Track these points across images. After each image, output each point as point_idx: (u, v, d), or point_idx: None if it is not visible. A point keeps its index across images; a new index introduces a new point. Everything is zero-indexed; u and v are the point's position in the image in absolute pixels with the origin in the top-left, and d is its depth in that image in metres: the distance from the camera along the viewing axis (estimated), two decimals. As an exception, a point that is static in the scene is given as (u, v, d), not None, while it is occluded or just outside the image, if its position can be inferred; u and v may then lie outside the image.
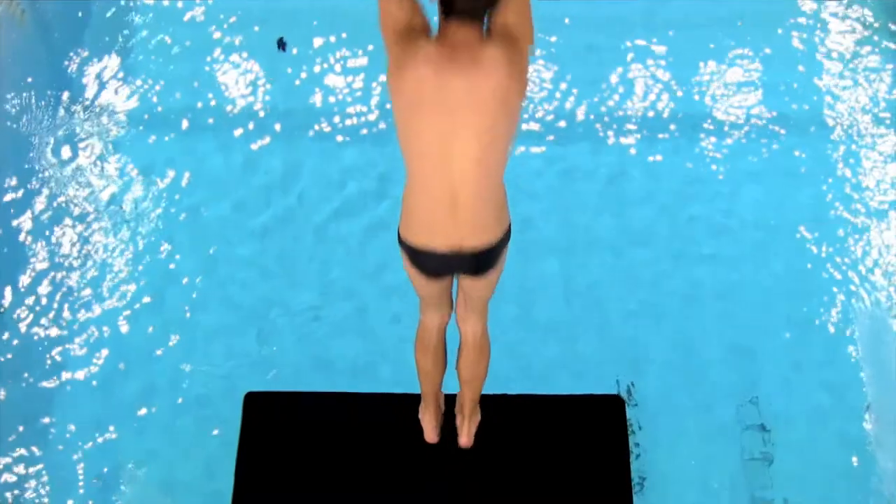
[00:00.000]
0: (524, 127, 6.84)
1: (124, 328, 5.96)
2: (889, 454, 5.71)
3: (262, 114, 6.84)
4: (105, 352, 5.85)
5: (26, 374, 5.78)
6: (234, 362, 5.79)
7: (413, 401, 4.30)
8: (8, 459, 5.49)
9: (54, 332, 5.94)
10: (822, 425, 5.73)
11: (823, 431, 5.70)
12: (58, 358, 5.85)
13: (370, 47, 7.09)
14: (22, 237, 6.28)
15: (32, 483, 5.45)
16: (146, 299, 6.06)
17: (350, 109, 6.90)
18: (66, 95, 6.89)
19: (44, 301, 6.03)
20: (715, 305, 6.15)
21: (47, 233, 6.30)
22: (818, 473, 5.58)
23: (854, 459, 5.65)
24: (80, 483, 5.43)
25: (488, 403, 4.38)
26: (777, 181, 6.68)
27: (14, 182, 6.43)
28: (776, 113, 6.99)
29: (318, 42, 7.20)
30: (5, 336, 5.91)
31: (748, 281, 6.24)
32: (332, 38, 7.20)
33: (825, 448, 5.66)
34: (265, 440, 4.44)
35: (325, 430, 4.48)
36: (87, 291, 6.09)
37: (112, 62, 7.07)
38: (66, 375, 5.80)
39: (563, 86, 7.01)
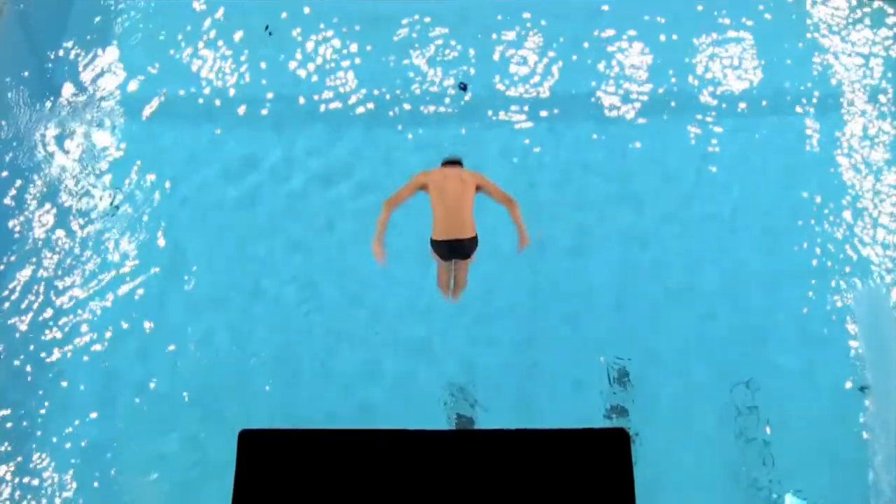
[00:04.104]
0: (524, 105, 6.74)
1: (115, 323, 5.97)
2: (886, 433, 5.66)
3: (251, 100, 6.73)
4: (97, 351, 5.89)
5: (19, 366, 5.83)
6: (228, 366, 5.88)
7: (409, 437, 4.35)
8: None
9: (45, 323, 5.94)
10: (818, 406, 5.74)
11: (820, 412, 5.72)
12: (49, 354, 5.88)
13: (356, 26, 7.03)
14: (12, 230, 6.23)
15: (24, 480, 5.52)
16: (135, 292, 6.06)
17: (344, 95, 6.77)
18: (50, 87, 6.75)
19: (32, 296, 6.02)
20: (711, 288, 6.14)
21: (37, 225, 6.25)
22: (813, 454, 5.61)
23: (849, 440, 5.66)
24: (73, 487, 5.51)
25: (491, 438, 4.31)
26: (776, 160, 6.59)
27: (2, 175, 6.37)
28: (774, 92, 6.84)
29: (307, 29, 7.02)
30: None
31: (745, 262, 6.22)
32: (322, 26, 7.02)
33: (820, 428, 5.68)
34: (260, 478, 4.32)
35: (319, 467, 4.37)
36: (76, 284, 6.08)
37: (96, 52, 6.90)
38: (59, 372, 5.83)
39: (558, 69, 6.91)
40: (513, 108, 6.71)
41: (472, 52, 6.89)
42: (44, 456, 5.56)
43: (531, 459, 4.35)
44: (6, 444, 5.58)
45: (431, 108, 6.68)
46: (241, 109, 6.71)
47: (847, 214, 6.31)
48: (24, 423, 5.66)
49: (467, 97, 6.76)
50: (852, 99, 6.74)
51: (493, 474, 4.28)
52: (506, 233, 5.41)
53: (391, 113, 6.69)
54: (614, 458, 4.36)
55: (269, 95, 6.75)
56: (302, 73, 6.84)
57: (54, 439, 5.62)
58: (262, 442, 4.33)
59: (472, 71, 6.83)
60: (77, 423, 5.67)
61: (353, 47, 6.93)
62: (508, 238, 5.39)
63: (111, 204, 6.31)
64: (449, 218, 4.61)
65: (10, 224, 6.25)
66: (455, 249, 4.64)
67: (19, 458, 5.54)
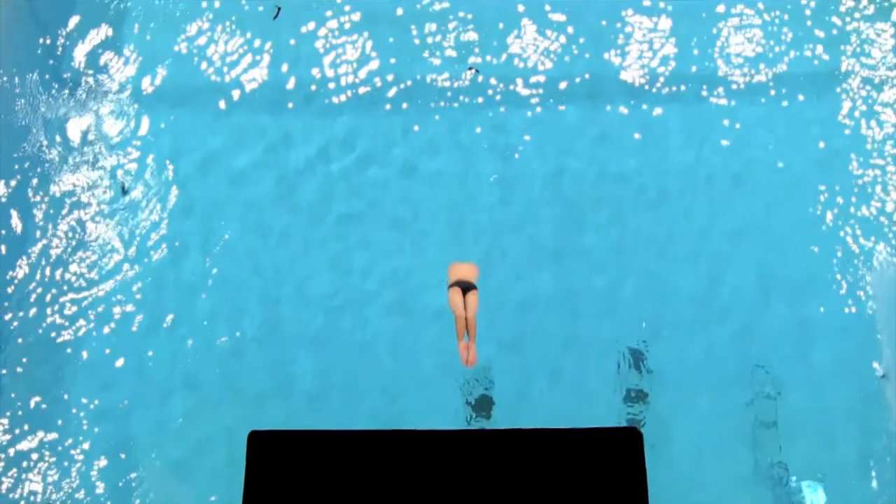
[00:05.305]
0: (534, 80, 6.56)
1: (123, 314, 5.96)
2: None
3: (255, 85, 6.58)
4: (107, 349, 5.87)
5: (29, 360, 5.85)
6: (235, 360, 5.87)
7: (418, 437, 4.36)
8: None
9: (55, 309, 5.95)
10: (833, 390, 5.70)
11: (834, 396, 5.69)
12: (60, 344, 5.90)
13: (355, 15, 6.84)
14: (22, 217, 6.19)
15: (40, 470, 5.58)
16: (143, 279, 6.05)
17: (345, 80, 6.62)
18: (55, 76, 6.63)
19: (41, 281, 6.01)
20: (726, 267, 6.06)
21: (47, 213, 6.20)
22: (826, 438, 5.60)
23: (863, 424, 5.64)
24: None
25: (502, 438, 4.30)
26: (790, 134, 6.43)
27: (11, 167, 6.30)
28: (788, 65, 6.63)
29: (309, 14, 6.80)
30: (9, 319, 5.94)
31: (759, 249, 6.12)
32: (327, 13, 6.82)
33: (833, 413, 5.66)
34: (269, 478, 4.31)
35: (328, 467, 4.36)
36: (86, 271, 6.07)
37: (101, 40, 6.73)
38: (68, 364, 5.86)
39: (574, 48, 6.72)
40: (523, 89, 6.55)
41: (481, 33, 6.72)
42: (55, 443, 5.64)
43: (544, 458, 4.32)
44: (25, 424, 5.67)
45: (439, 91, 6.55)
46: (248, 95, 6.60)
47: (863, 199, 6.19)
48: (28, 413, 5.73)
49: (469, 74, 6.63)
50: (870, 73, 6.59)
51: (504, 473, 4.27)
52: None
53: (403, 96, 6.57)
54: (627, 456, 4.34)
55: (275, 80, 6.64)
56: (308, 57, 6.69)
57: (68, 419, 5.71)
58: (271, 443, 4.32)
59: (480, 50, 6.66)
60: (84, 414, 5.73)
61: (363, 32, 6.74)
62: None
63: (122, 190, 6.26)
64: (461, 272, 5.38)
65: (21, 212, 6.20)
66: (463, 284, 5.24)
67: (36, 438, 5.64)
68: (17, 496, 5.50)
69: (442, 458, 4.28)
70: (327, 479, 4.29)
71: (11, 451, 5.58)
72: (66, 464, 5.57)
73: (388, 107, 6.53)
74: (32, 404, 5.70)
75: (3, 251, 6.10)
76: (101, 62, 6.66)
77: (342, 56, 6.65)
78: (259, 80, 6.59)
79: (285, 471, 4.30)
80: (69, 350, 5.86)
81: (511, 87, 6.55)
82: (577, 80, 6.61)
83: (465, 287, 5.41)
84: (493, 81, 6.58)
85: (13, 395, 5.72)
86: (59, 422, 5.67)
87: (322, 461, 4.31)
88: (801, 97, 6.52)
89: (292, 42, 6.69)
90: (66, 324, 5.92)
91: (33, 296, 5.97)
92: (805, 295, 5.96)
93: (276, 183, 6.32)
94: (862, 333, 5.85)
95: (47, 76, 6.61)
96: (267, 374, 5.82)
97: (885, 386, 5.68)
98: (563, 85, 6.57)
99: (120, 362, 5.83)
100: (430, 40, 6.67)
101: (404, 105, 6.52)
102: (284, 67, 6.63)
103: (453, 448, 4.29)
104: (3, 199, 6.22)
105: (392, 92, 6.54)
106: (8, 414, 5.68)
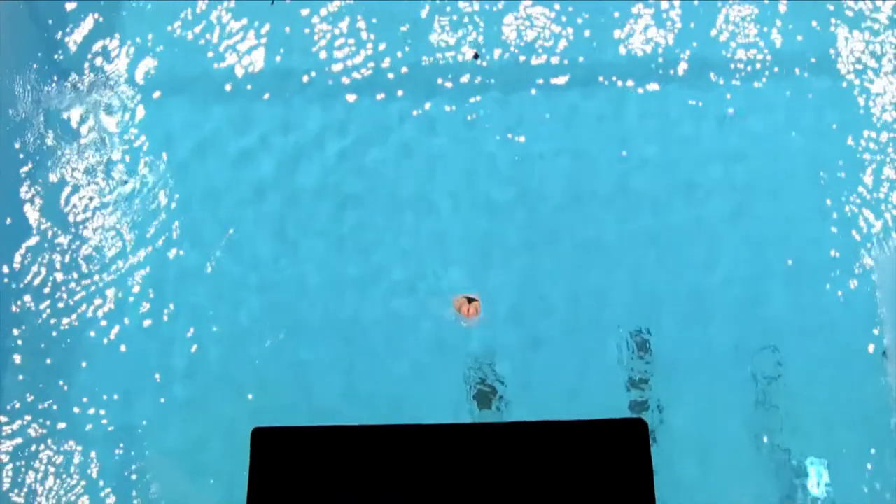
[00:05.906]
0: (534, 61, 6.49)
1: (123, 305, 5.90)
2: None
3: (255, 71, 6.48)
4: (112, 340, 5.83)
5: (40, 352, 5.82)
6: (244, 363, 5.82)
7: (424, 431, 4.35)
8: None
9: (54, 307, 5.89)
10: (836, 372, 5.68)
11: (837, 378, 5.67)
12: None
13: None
14: (21, 212, 6.10)
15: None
16: (145, 273, 5.97)
17: (343, 64, 6.53)
18: (55, 66, 6.51)
19: (42, 278, 5.94)
20: (727, 249, 6.02)
21: (47, 207, 6.12)
22: (833, 418, 5.58)
23: (865, 403, 5.61)
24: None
25: (507, 431, 4.30)
26: (789, 118, 6.34)
27: (11, 159, 6.21)
28: (788, 45, 6.51)
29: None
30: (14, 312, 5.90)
31: (762, 227, 6.07)
32: None
33: (840, 393, 5.64)
34: (275, 476, 4.32)
35: (334, 464, 4.37)
36: (85, 265, 5.99)
37: (101, 30, 6.60)
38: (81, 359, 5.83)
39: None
40: (524, 73, 6.48)
41: (482, 16, 6.63)
42: (54, 436, 5.64)
43: (547, 451, 4.34)
44: (25, 416, 5.65)
45: (439, 75, 6.48)
46: (249, 81, 6.52)
47: (863, 179, 6.14)
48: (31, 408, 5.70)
49: (468, 55, 6.56)
50: (870, 57, 6.51)
51: (510, 467, 4.29)
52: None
53: (402, 81, 6.50)
54: (632, 447, 4.35)
55: (275, 67, 6.57)
56: (309, 46, 6.61)
57: (67, 412, 5.70)
58: (275, 439, 4.32)
59: (477, 34, 6.59)
60: (84, 406, 5.75)
61: (357, 17, 6.64)
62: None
63: (121, 184, 6.21)
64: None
65: (20, 204, 6.13)
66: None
67: (34, 430, 5.62)
68: (16, 491, 5.48)
69: (449, 452, 4.30)
70: (333, 474, 4.30)
71: (10, 445, 5.56)
72: (65, 456, 5.55)
73: (386, 92, 6.45)
74: (30, 397, 5.67)
75: (2, 244, 6.05)
76: (100, 52, 6.56)
77: (339, 41, 6.57)
78: (259, 66, 6.52)
79: (290, 468, 4.31)
80: (69, 341, 5.83)
81: (512, 71, 6.49)
82: (578, 63, 6.52)
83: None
84: (493, 66, 6.51)
85: (11, 388, 5.68)
86: (58, 414, 5.64)
87: (327, 457, 4.32)
88: (801, 76, 6.44)
89: (287, 30, 6.59)
90: (66, 316, 5.88)
91: (32, 287, 5.93)
92: (805, 276, 5.93)
93: (276, 170, 6.25)
94: (863, 312, 5.82)
95: (46, 67, 6.51)
96: (266, 365, 5.78)
97: (886, 364, 5.68)
98: (563, 69, 6.51)
99: (121, 354, 5.79)
100: (429, 24, 6.60)
101: (400, 92, 6.46)
102: (283, 52, 6.56)
103: (460, 442, 4.31)
104: (2, 192, 6.17)
105: (391, 76, 6.47)
106: (7, 407, 5.64)
